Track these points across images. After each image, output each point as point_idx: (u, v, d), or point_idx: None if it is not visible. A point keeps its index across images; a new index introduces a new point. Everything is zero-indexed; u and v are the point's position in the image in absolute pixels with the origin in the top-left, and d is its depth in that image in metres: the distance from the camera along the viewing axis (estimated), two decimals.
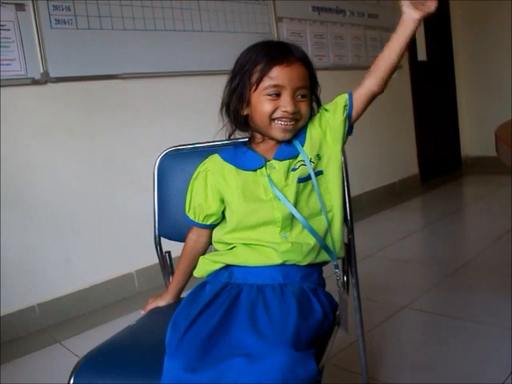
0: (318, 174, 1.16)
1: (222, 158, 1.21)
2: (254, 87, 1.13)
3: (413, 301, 2.24)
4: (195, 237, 1.26)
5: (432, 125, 5.08)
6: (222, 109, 1.21)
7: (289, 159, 1.15)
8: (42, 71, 2.39)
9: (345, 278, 1.25)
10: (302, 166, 1.14)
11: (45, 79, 2.40)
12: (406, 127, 4.79)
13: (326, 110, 1.19)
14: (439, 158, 5.24)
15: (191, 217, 1.24)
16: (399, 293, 2.35)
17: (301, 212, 1.12)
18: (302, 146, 1.16)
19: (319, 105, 1.22)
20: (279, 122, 1.13)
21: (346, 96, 1.18)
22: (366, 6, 4.25)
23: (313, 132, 1.18)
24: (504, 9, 4.86)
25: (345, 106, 1.17)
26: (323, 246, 1.14)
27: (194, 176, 1.24)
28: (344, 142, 1.20)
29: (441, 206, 4.14)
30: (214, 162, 1.22)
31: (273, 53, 1.13)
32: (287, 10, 3.56)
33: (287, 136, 1.15)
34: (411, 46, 4.79)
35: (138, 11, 2.73)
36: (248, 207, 1.14)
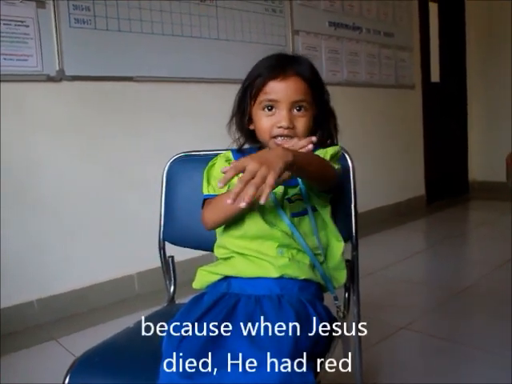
0: (314, 210, 1.16)
1: (235, 159, 1.22)
2: (252, 101, 1.15)
3: (412, 322, 2.23)
4: None
5: (441, 146, 5.07)
6: (230, 122, 1.22)
7: (286, 186, 1.15)
8: (57, 69, 2.41)
9: (342, 309, 1.23)
10: (298, 201, 1.14)
11: (60, 77, 2.42)
12: (415, 147, 4.78)
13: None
14: (446, 181, 5.23)
15: (211, 192, 1.19)
16: (398, 313, 2.34)
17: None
18: None
19: (334, 117, 1.22)
20: (277, 140, 1.14)
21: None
22: (383, 24, 4.27)
23: None
24: None
25: None
26: (321, 273, 1.15)
27: (211, 163, 1.23)
28: (324, 196, 1.17)
29: (445, 229, 4.12)
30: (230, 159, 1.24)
31: (270, 66, 1.14)
32: (304, 23, 3.58)
33: None
34: (425, 67, 4.81)
35: (156, 15, 2.75)
36: (249, 217, 1.14)
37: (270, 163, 0.87)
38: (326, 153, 1.14)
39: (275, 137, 1.14)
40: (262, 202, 0.84)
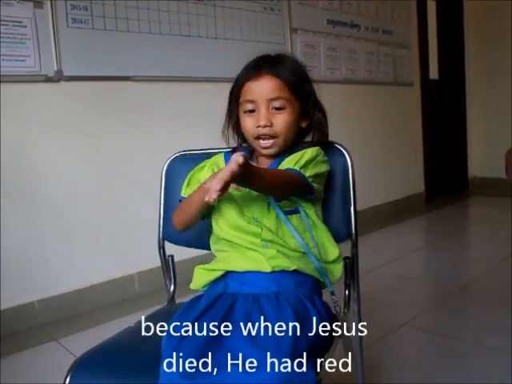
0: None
1: (226, 161, 1.24)
2: (237, 105, 1.18)
3: (412, 319, 2.23)
4: None
5: (440, 143, 5.08)
6: (223, 126, 1.24)
7: None
8: (55, 69, 2.40)
9: (342, 307, 1.22)
10: (285, 200, 1.14)
11: (58, 77, 2.42)
12: (414, 144, 4.78)
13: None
14: (446, 178, 5.22)
15: (184, 194, 1.23)
16: (399, 310, 2.34)
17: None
18: None
19: (320, 111, 1.21)
20: (259, 141, 1.15)
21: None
22: (381, 21, 4.27)
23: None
24: None
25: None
26: (316, 266, 1.14)
27: (200, 165, 1.26)
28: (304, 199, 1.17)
29: (445, 226, 4.12)
30: (220, 162, 1.25)
31: (246, 69, 1.17)
32: (302, 21, 3.58)
33: (270, 151, 1.17)
34: (423, 64, 4.80)
35: (154, 15, 2.75)
36: (235, 215, 1.15)
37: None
38: (302, 157, 1.13)
39: (258, 138, 1.15)
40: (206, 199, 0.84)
